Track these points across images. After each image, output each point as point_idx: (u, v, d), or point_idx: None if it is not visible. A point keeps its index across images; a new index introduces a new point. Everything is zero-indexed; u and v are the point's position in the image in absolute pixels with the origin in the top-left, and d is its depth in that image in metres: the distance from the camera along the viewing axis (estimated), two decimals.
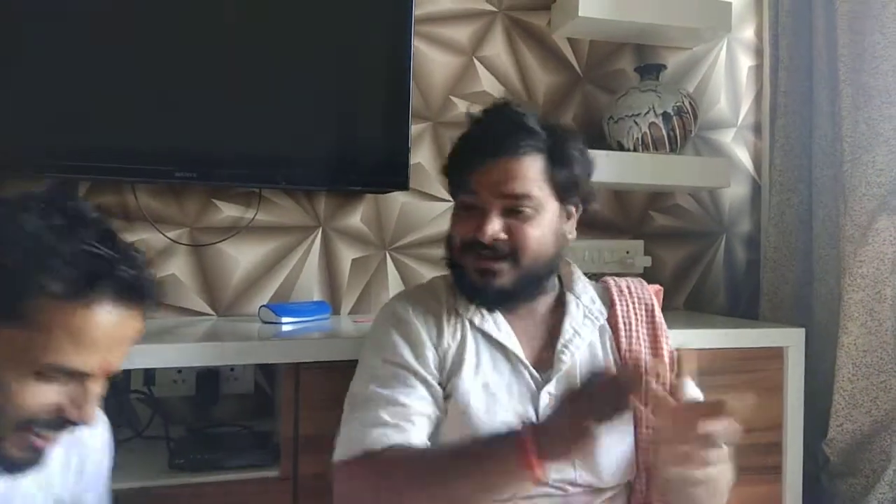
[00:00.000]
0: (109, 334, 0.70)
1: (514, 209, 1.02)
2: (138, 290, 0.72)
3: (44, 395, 0.69)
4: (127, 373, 1.46)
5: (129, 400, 1.49)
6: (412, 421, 0.96)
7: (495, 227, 1.01)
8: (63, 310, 0.67)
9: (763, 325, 1.79)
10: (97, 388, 0.73)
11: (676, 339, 1.41)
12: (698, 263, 2.04)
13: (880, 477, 1.57)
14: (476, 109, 1.15)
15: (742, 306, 2.06)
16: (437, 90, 1.85)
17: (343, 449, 0.96)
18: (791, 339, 1.62)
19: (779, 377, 1.60)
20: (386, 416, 0.95)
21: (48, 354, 0.68)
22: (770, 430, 1.59)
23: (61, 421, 0.72)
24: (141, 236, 1.63)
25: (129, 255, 0.72)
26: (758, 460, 1.57)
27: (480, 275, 1.03)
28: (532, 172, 1.02)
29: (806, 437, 1.63)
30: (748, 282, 2.07)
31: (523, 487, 0.86)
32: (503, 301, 1.05)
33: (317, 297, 1.76)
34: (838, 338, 1.65)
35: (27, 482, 0.77)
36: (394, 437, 0.94)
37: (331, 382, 1.29)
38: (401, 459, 0.92)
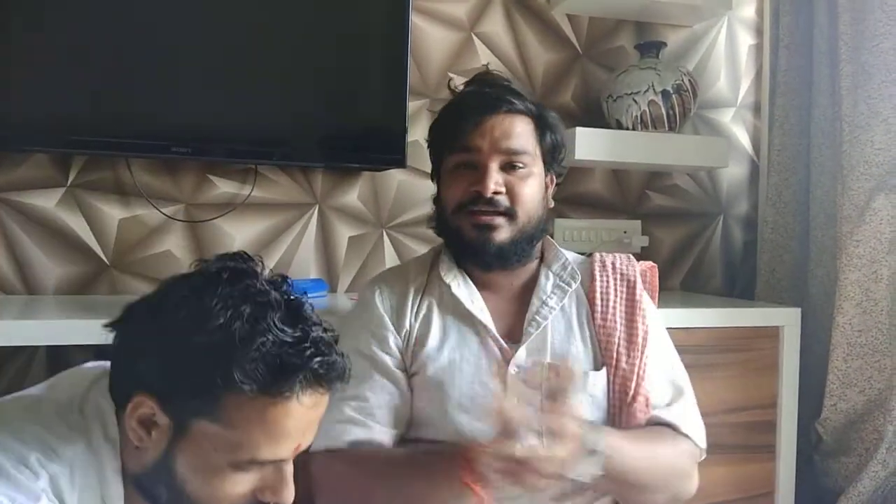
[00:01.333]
0: (304, 421, 0.70)
1: (512, 164, 1.05)
2: (329, 376, 0.71)
3: (241, 486, 0.69)
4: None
5: None
6: (375, 416, 1.00)
7: (498, 179, 1.03)
8: (258, 407, 0.67)
9: (759, 304, 1.80)
10: (290, 469, 0.72)
11: (673, 318, 1.42)
12: (695, 243, 2.04)
13: (873, 456, 1.58)
14: (458, 83, 1.18)
15: (739, 286, 2.06)
16: (436, 66, 1.83)
17: (313, 445, 0.99)
18: (787, 319, 1.62)
19: (774, 356, 1.61)
20: (351, 413, 0.99)
21: (245, 451, 0.67)
22: (764, 408, 1.60)
23: None
24: (136, 212, 1.62)
25: (320, 338, 0.70)
26: (752, 438, 1.58)
27: (480, 230, 1.04)
28: (526, 131, 1.06)
29: (800, 416, 1.64)
30: (745, 262, 2.07)
31: (456, 490, 0.88)
32: (501, 259, 1.06)
33: (313, 274, 1.75)
34: (833, 318, 1.65)
35: None
36: (356, 433, 0.98)
37: None
38: (356, 460, 0.97)
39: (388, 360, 1.03)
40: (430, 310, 1.06)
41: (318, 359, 0.69)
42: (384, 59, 1.68)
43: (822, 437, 1.68)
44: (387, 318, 1.06)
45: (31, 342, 1.31)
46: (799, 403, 1.63)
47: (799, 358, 1.62)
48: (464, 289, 1.07)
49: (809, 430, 1.70)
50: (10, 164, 1.54)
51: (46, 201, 1.57)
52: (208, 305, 0.67)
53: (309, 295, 1.56)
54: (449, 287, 1.07)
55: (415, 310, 1.06)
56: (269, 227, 1.72)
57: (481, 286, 1.09)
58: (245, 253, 0.76)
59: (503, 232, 1.04)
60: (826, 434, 1.68)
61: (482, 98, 1.07)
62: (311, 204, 1.75)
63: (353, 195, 1.78)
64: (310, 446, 0.80)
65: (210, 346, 0.66)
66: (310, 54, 1.62)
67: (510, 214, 1.04)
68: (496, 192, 1.03)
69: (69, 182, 1.59)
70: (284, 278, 0.76)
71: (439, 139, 1.12)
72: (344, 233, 1.78)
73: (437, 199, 1.14)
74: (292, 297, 0.74)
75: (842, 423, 1.66)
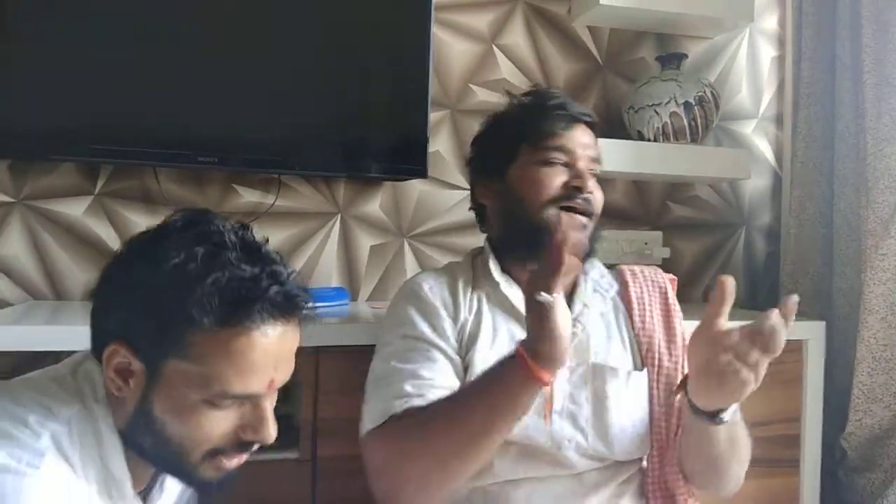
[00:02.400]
0: (270, 354, 0.70)
1: (592, 172, 1.07)
2: (289, 305, 0.71)
3: (219, 424, 0.70)
4: None
5: None
6: (434, 391, 0.96)
7: (592, 181, 1.06)
8: (219, 340, 0.68)
9: None
10: (269, 406, 0.73)
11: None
12: (717, 255, 2.03)
13: None
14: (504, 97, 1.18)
15: (761, 299, 2.05)
16: (456, 78, 1.84)
17: (368, 423, 0.97)
18: (811, 332, 1.61)
19: (798, 370, 1.59)
20: (408, 388, 0.96)
21: (214, 385, 0.68)
22: (788, 422, 1.58)
23: (242, 444, 0.73)
24: (160, 220, 1.64)
25: (276, 271, 0.71)
26: (776, 453, 1.57)
27: (576, 230, 1.03)
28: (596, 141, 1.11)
29: (824, 430, 1.62)
30: (768, 274, 2.06)
31: (530, 399, 0.86)
32: (586, 256, 1.08)
33: (335, 283, 1.77)
34: (858, 331, 1.63)
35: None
36: (416, 402, 0.94)
37: (349, 367, 1.30)
38: (417, 413, 0.93)
39: (444, 344, 1.01)
40: (480, 305, 1.06)
41: (275, 288, 0.69)
42: (406, 70, 1.70)
43: (846, 453, 1.66)
44: (441, 308, 1.04)
45: (58, 347, 1.33)
46: (824, 418, 1.61)
47: (823, 372, 1.61)
48: (513, 288, 1.07)
49: (834, 445, 1.68)
50: (39, 173, 1.58)
51: (74, 209, 1.60)
52: (164, 249, 0.69)
53: (331, 303, 1.59)
54: (498, 285, 1.07)
55: (468, 303, 1.06)
56: (292, 235, 1.74)
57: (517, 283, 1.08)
58: (208, 210, 0.78)
59: (587, 232, 1.06)
60: (851, 449, 1.65)
61: (571, 105, 1.09)
62: (333, 213, 1.77)
63: (374, 205, 1.80)
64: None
65: (167, 286, 0.67)
66: (332, 65, 1.64)
67: (591, 217, 1.06)
68: (591, 192, 1.05)
69: (97, 190, 1.62)
70: (244, 225, 0.77)
71: (517, 133, 1.08)
72: (365, 242, 1.79)
73: (490, 197, 1.11)
74: (250, 239, 0.74)
75: (867, 438, 1.63)
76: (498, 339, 1.04)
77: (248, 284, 0.68)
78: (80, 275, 1.59)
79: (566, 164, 1.05)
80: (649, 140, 1.81)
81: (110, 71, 1.48)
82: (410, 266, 1.81)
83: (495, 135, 1.13)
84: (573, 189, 1.04)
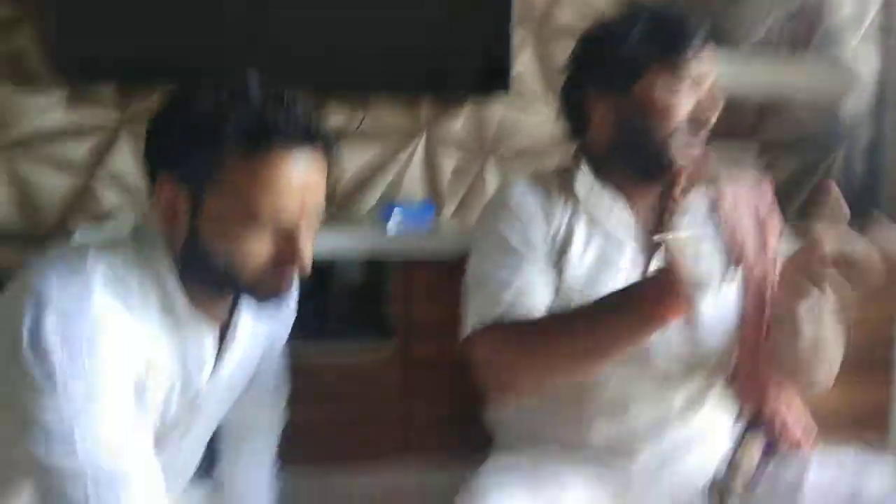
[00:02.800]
0: (296, 177, 0.76)
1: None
2: (309, 132, 0.77)
3: (259, 248, 0.77)
4: None
5: None
6: (531, 298, 0.99)
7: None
8: (247, 167, 0.75)
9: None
10: (303, 235, 0.78)
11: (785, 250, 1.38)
12: (812, 175, 1.95)
13: None
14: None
15: (857, 221, 1.96)
16: None
17: (472, 323, 1.00)
18: None
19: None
20: (506, 296, 0.98)
21: (249, 209, 0.75)
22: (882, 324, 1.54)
23: (283, 268, 0.79)
24: None
25: (296, 107, 0.77)
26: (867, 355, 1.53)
27: (699, 159, 1.04)
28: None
29: None
30: (865, 196, 1.97)
31: (653, 332, 0.87)
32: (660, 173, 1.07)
33: (420, 199, 1.81)
34: None
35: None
36: (519, 311, 0.97)
37: (437, 278, 1.37)
38: (533, 320, 0.96)
39: (534, 253, 1.03)
40: (574, 214, 1.06)
41: (294, 119, 0.76)
42: None
43: None
44: (536, 213, 1.05)
45: None
46: None
47: None
48: (606, 198, 1.07)
49: None
50: (142, 96, 1.66)
51: None
52: (198, 90, 0.78)
53: (418, 219, 1.63)
54: (591, 194, 1.07)
55: (560, 211, 1.06)
56: (378, 154, 1.78)
57: (624, 196, 1.08)
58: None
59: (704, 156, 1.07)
60: None
61: (701, 26, 1.04)
62: (417, 132, 1.80)
63: (458, 124, 1.81)
64: None
65: (201, 119, 0.76)
66: None
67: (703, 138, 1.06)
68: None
69: None
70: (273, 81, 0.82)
71: (648, 50, 1.03)
72: (449, 160, 1.81)
73: (604, 109, 1.07)
74: (275, 90, 0.79)
75: None
76: (589, 249, 1.05)
77: (272, 117, 0.75)
78: None
79: (694, 89, 1.03)
80: (748, 52, 1.73)
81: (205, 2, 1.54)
82: (492, 184, 1.83)
83: (619, 46, 1.05)
84: (702, 120, 1.03)
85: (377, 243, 1.45)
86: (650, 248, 1.06)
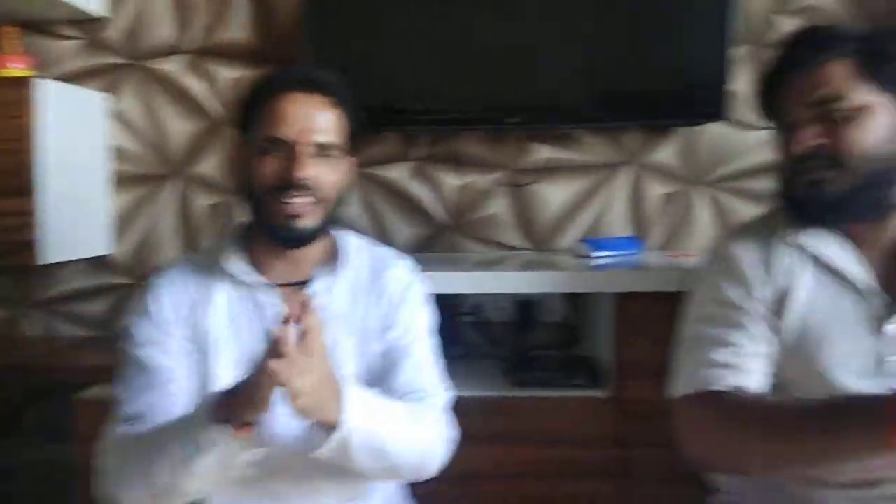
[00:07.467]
0: (297, 110, 0.99)
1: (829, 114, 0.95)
2: (307, 82, 1.01)
3: (271, 165, 0.98)
4: (460, 297, 1.69)
5: (461, 321, 1.71)
6: (746, 362, 0.95)
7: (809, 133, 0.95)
8: (265, 108, 1.00)
9: None
10: (303, 154, 0.98)
11: None
12: None
13: None
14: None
15: None
16: (758, 8, 1.71)
17: (681, 387, 0.99)
18: None
19: None
20: (718, 358, 0.96)
21: (261, 134, 0.99)
22: None
23: (288, 185, 0.98)
24: (468, 180, 1.82)
25: (310, 69, 1.05)
26: None
27: (810, 186, 0.96)
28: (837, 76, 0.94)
29: None
30: None
31: (885, 458, 0.79)
32: (832, 213, 0.97)
33: (625, 232, 1.79)
34: None
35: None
36: (731, 380, 0.94)
37: (647, 313, 1.36)
38: (748, 404, 0.92)
39: (756, 311, 0.99)
40: (799, 263, 1.00)
41: (302, 73, 1.02)
42: (704, 3, 1.62)
43: None
44: (753, 269, 1.01)
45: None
46: None
47: None
48: (833, 242, 1.00)
49: None
50: (366, 144, 1.84)
51: (399, 173, 1.84)
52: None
53: (624, 252, 1.62)
54: (816, 240, 1.00)
55: (782, 262, 1.00)
56: (583, 186, 1.80)
57: (851, 241, 1.00)
58: None
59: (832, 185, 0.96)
60: None
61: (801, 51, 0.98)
62: (622, 162, 1.79)
63: (666, 151, 1.77)
64: None
65: (253, 89, 1.04)
66: (622, 14, 1.64)
67: (834, 166, 0.96)
68: (812, 146, 0.96)
69: (415, 156, 1.84)
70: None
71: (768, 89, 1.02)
72: (656, 190, 1.78)
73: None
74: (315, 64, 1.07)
75: None
76: (815, 301, 0.98)
77: (286, 73, 1.03)
78: (403, 229, 1.84)
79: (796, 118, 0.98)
80: None
81: (426, 55, 1.68)
82: (703, 214, 1.76)
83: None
84: (820, 147, 0.97)
85: (588, 277, 1.43)
86: (890, 306, 0.96)
